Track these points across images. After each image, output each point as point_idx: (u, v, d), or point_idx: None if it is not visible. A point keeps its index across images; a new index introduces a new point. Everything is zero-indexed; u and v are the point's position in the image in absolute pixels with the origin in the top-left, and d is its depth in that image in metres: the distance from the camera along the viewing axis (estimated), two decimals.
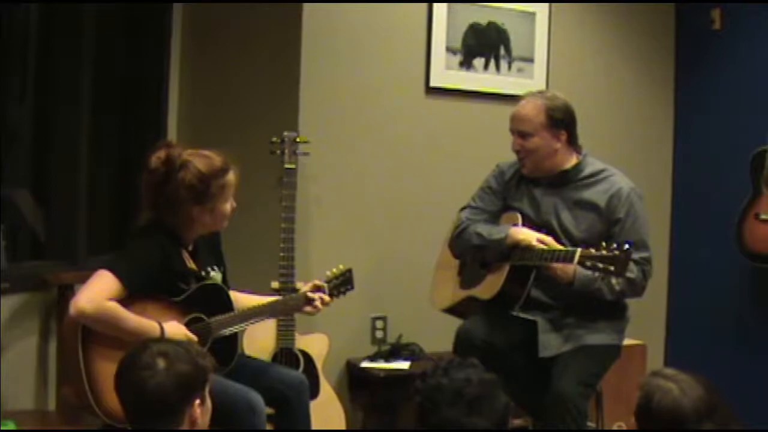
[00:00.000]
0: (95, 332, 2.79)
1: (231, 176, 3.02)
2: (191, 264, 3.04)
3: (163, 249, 2.93)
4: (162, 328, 2.83)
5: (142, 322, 2.82)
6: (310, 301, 3.23)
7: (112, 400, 2.63)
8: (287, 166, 3.70)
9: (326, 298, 3.25)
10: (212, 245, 3.20)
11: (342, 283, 3.33)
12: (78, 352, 2.78)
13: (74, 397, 2.91)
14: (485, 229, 3.45)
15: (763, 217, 4.32)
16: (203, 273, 3.06)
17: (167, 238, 2.97)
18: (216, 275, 3.13)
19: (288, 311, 3.44)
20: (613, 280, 3.20)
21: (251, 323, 3.17)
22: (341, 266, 3.34)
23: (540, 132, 3.37)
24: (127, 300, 2.80)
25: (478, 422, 2.11)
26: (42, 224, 3.92)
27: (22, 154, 3.87)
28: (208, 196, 2.96)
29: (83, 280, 2.94)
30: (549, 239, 3.28)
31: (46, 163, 3.87)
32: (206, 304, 3.01)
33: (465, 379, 2.16)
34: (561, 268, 3.22)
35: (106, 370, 2.74)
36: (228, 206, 3.04)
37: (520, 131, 3.40)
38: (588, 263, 3.07)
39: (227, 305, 3.07)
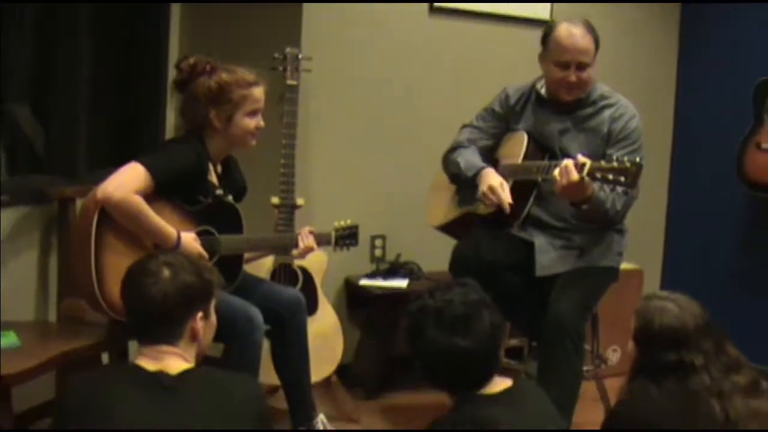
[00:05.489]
0: (109, 223, 2.83)
1: (256, 91, 3.08)
2: (215, 180, 3.10)
3: (198, 154, 2.99)
4: (179, 237, 2.88)
5: (162, 224, 2.87)
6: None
7: (116, 292, 2.67)
8: (289, 82, 3.67)
9: (308, 240, 3.32)
10: (239, 185, 3.28)
11: (348, 236, 3.44)
12: (91, 237, 2.82)
13: (80, 287, 2.95)
14: (463, 161, 3.49)
15: (765, 146, 4.32)
16: (222, 192, 3.12)
17: (202, 147, 3.04)
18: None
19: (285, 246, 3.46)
20: (618, 188, 3.10)
21: (255, 255, 3.33)
22: (349, 221, 3.45)
23: (594, 61, 3.36)
24: (147, 197, 2.85)
25: (461, 343, 2.12)
26: (42, 140, 3.90)
27: (22, 70, 3.83)
28: (225, 101, 3.02)
29: (83, 194, 2.95)
30: (506, 187, 3.29)
31: (46, 79, 3.82)
32: (219, 220, 3.07)
33: (448, 300, 2.18)
34: (570, 183, 3.01)
35: (115, 261, 2.81)
36: (251, 122, 3.09)
37: (581, 63, 3.34)
38: (598, 174, 2.97)
39: (238, 226, 3.13)
